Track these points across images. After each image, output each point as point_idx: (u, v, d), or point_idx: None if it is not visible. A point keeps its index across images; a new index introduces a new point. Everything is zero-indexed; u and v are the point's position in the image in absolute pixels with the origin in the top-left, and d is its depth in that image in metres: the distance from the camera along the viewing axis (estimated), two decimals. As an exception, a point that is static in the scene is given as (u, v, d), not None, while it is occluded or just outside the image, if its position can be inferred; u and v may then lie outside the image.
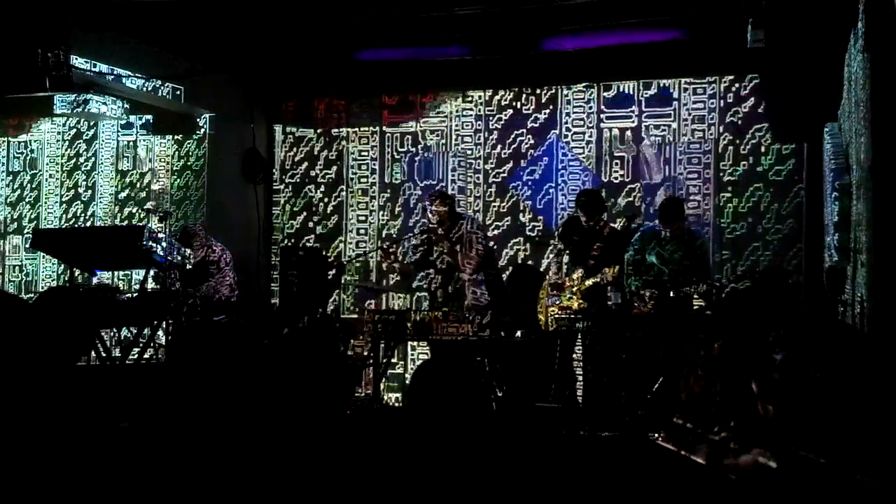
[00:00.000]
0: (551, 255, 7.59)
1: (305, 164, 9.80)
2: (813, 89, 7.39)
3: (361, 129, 9.61)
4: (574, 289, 7.09)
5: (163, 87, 8.80)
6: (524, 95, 9.05)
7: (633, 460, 5.26)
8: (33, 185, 10.27)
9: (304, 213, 9.77)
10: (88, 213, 9.97)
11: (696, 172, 8.48)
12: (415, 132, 9.42)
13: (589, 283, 7.00)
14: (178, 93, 8.81)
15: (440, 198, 7.48)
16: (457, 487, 4.56)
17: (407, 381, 8.12)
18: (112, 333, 7.49)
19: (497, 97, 9.12)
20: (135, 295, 6.86)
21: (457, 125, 9.28)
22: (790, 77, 7.62)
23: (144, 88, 8.76)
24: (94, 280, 8.15)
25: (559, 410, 6.74)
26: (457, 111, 9.27)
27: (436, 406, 6.45)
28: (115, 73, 8.37)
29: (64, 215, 10.07)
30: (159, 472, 4.75)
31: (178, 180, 9.64)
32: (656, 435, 5.64)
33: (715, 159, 8.42)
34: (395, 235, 9.23)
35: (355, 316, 9.00)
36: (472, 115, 9.23)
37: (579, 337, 7.06)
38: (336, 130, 9.70)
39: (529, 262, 8.84)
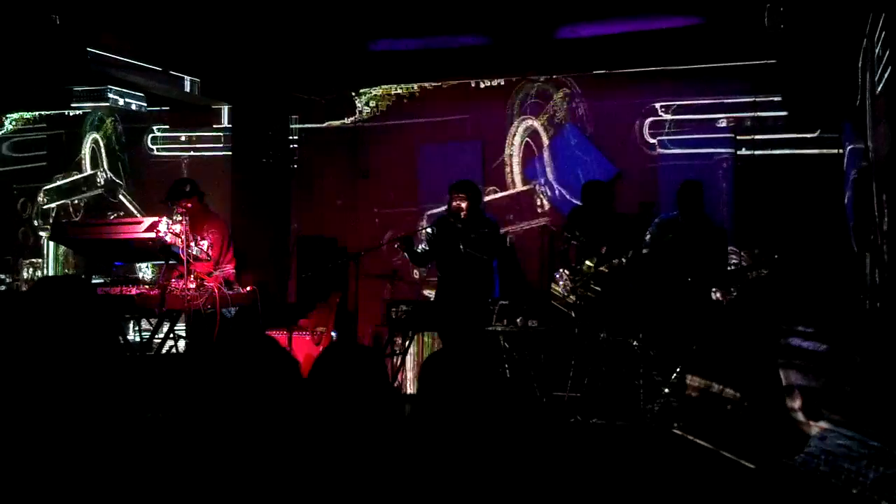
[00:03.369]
0: (561, 247, 7.52)
1: (322, 154, 9.82)
2: (832, 75, 7.33)
3: (381, 119, 9.62)
4: (589, 275, 7.06)
5: (181, 80, 8.84)
6: (540, 83, 9.03)
7: (649, 449, 5.26)
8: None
9: (321, 205, 9.80)
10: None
11: (716, 161, 8.41)
12: (434, 122, 9.42)
13: (603, 268, 6.98)
14: (196, 85, 8.84)
15: (464, 189, 7.35)
16: (468, 476, 4.57)
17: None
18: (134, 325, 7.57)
19: (513, 85, 9.13)
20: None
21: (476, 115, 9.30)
22: (809, 63, 7.56)
23: (162, 80, 8.80)
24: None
25: (577, 399, 6.73)
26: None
27: (448, 395, 6.46)
28: (132, 63, 8.41)
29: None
30: (183, 462, 4.79)
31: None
32: (675, 425, 5.65)
33: (734, 147, 8.35)
34: (420, 228, 9.24)
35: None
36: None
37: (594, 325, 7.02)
38: (352, 120, 9.71)
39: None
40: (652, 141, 8.67)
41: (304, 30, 8.38)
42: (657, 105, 8.67)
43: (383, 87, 9.50)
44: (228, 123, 9.83)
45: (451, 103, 9.36)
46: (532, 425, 5.95)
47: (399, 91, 9.51)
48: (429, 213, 9.23)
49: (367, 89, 9.56)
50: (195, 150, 10.22)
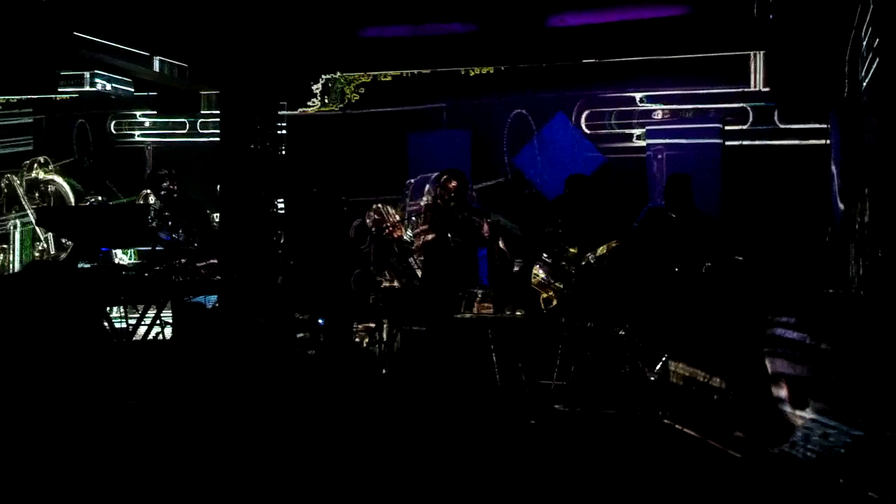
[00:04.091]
0: (544, 236, 7.51)
1: (311, 141, 9.79)
2: (820, 66, 7.35)
3: (367, 107, 9.60)
4: (570, 266, 7.08)
5: (167, 66, 8.79)
6: (529, 72, 9.02)
7: (635, 437, 5.28)
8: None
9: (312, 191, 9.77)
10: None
11: (703, 151, 8.43)
12: (424, 109, 9.41)
13: (590, 256, 6.99)
14: (166, 65, 8.79)
15: (453, 175, 7.32)
16: (456, 466, 4.58)
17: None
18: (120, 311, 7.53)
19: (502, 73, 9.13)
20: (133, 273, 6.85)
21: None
22: (797, 54, 7.57)
23: (148, 66, 8.76)
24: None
25: (562, 388, 6.75)
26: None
27: (434, 382, 6.48)
28: (119, 48, 8.36)
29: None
30: (165, 448, 4.79)
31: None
32: (660, 412, 5.68)
33: (721, 137, 8.37)
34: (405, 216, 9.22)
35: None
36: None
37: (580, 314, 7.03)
38: (341, 107, 9.68)
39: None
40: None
41: (293, 16, 8.34)
42: (637, 95, 8.72)
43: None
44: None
45: (439, 92, 9.36)
46: (518, 413, 5.98)
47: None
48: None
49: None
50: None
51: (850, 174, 6.40)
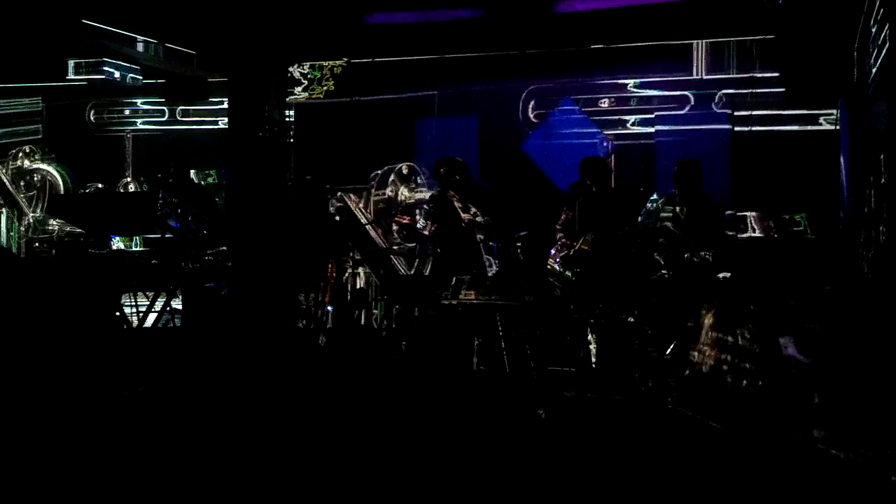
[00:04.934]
0: (559, 224, 7.51)
1: (318, 128, 9.79)
2: (830, 51, 7.32)
3: (372, 94, 9.59)
4: (586, 250, 7.08)
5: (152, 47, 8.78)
6: (536, 57, 9.00)
7: (644, 423, 5.29)
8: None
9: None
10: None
11: (712, 136, 8.41)
12: (429, 95, 9.40)
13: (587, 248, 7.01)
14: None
15: (441, 163, 7.38)
16: (465, 451, 4.60)
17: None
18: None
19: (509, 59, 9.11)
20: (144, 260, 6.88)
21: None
22: (807, 39, 7.54)
23: (156, 52, 8.76)
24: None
25: (571, 374, 6.77)
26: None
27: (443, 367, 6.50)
28: (127, 35, 8.36)
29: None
30: (175, 435, 4.81)
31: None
32: (669, 399, 5.68)
33: (730, 123, 8.36)
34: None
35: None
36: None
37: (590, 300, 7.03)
38: (347, 96, 9.68)
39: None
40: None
41: (300, 2, 8.33)
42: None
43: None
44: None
45: (439, 77, 9.35)
46: (527, 399, 5.99)
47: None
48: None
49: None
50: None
51: (859, 160, 6.39)
